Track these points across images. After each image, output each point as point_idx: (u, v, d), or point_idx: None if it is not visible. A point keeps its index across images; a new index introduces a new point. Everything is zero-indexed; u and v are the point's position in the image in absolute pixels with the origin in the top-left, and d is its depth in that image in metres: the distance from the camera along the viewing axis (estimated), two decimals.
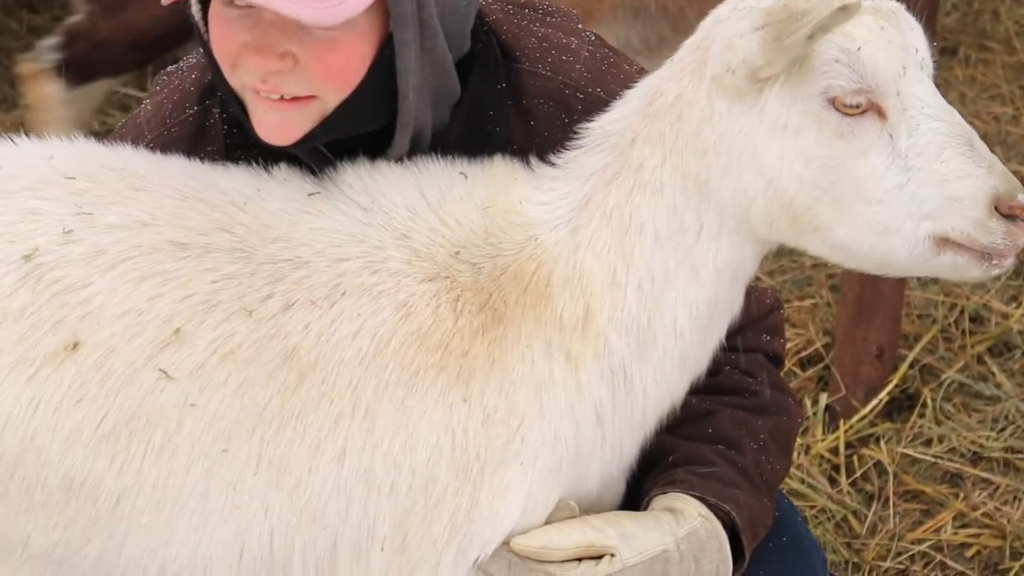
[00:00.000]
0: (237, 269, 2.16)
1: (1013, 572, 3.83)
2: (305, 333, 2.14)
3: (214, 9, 2.21)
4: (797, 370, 4.48)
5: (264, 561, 2.17)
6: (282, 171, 2.30)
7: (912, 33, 2.17)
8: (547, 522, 2.23)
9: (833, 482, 4.12)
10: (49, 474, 2.12)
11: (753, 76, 2.10)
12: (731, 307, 2.28)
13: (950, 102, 2.21)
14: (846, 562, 3.87)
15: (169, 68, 2.57)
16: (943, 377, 4.44)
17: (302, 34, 2.16)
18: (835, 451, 4.19)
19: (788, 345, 4.41)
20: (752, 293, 2.42)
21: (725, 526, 2.31)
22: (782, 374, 2.65)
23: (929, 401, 4.34)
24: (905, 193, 2.11)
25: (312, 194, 2.26)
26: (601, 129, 2.27)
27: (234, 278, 2.16)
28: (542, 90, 2.42)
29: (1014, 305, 4.75)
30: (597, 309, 2.21)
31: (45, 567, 2.18)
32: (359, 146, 2.30)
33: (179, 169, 2.29)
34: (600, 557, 2.21)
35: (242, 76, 2.22)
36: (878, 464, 4.16)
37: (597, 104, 2.33)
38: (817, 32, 2.05)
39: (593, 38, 2.51)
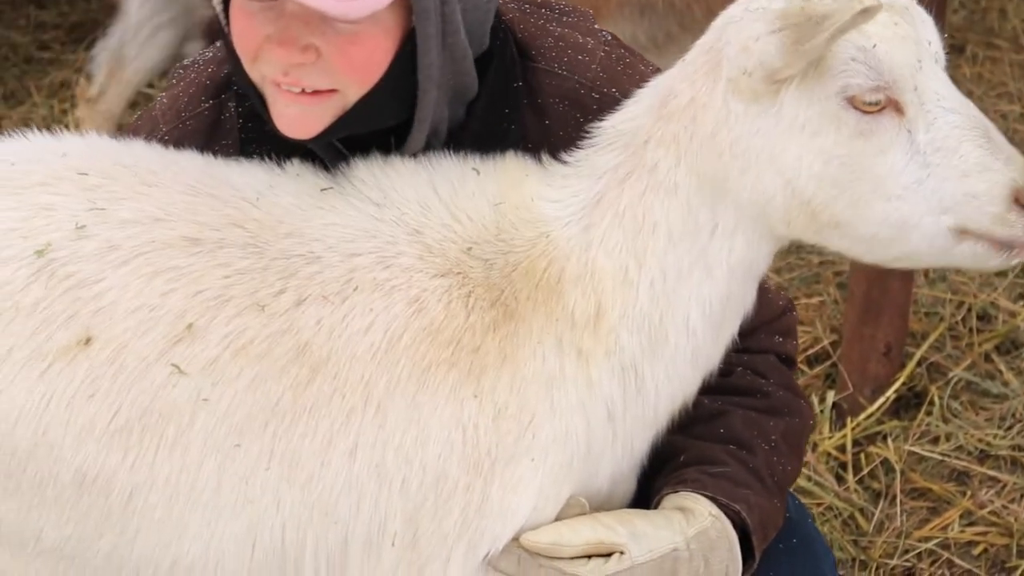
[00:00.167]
0: (249, 264, 2.16)
1: (1020, 570, 3.83)
2: (317, 328, 2.15)
3: (236, 1, 2.21)
4: (804, 367, 4.48)
5: (276, 555, 2.17)
6: (295, 167, 2.30)
7: (924, 26, 2.17)
8: (557, 519, 2.23)
9: (840, 480, 4.12)
10: (62, 469, 2.12)
11: (770, 78, 2.10)
12: (744, 303, 2.28)
13: None
14: (853, 560, 3.87)
15: (185, 62, 2.57)
16: (950, 375, 4.44)
17: (325, 27, 2.15)
18: (842, 449, 4.19)
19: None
20: (764, 295, 2.42)
21: (736, 526, 2.31)
22: None
23: (936, 399, 4.34)
24: (925, 189, 2.11)
25: (325, 189, 2.27)
26: (613, 128, 2.28)
27: (246, 273, 2.16)
28: (558, 89, 2.42)
29: (1022, 303, 4.75)
30: (609, 306, 2.21)
31: (57, 561, 2.19)
32: (375, 141, 2.30)
33: (191, 165, 2.29)
34: (610, 554, 2.21)
35: (263, 68, 2.22)
36: (885, 462, 4.16)
37: (612, 104, 2.33)
38: (837, 35, 2.05)
39: (609, 38, 2.51)
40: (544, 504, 2.21)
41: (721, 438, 2.43)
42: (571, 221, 2.25)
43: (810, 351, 4.53)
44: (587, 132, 2.29)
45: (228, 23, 2.25)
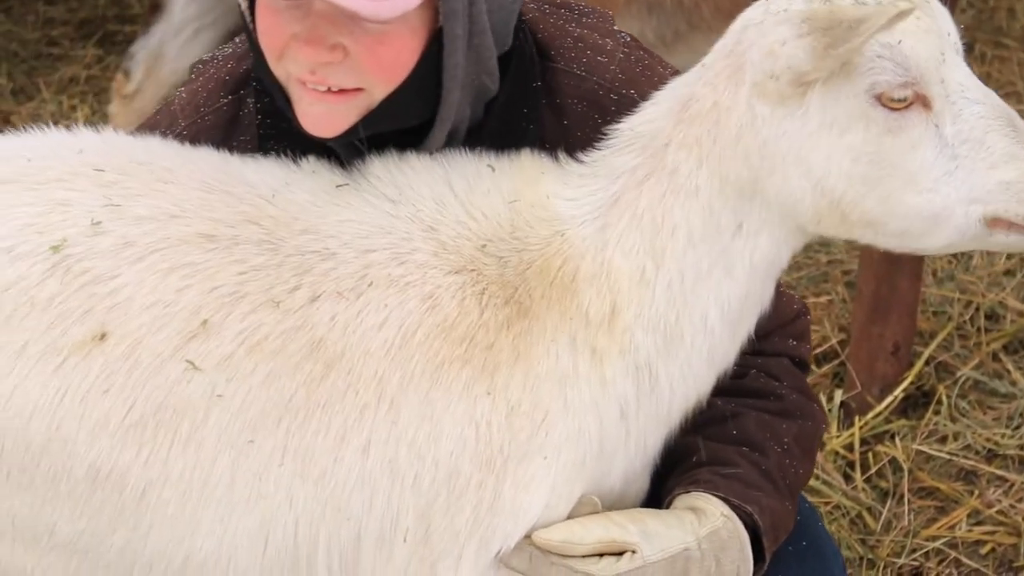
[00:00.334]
0: (264, 261, 2.17)
1: None
2: (332, 324, 2.15)
3: None
4: (812, 366, 4.46)
5: (288, 551, 2.17)
6: (310, 163, 2.30)
7: (943, 18, 2.18)
8: (569, 517, 2.23)
9: (848, 479, 4.12)
10: (75, 464, 2.12)
11: (797, 81, 2.10)
12: (762, 300, 2.28)
13: None
14: (860, 559, 3.87)
15: (205, 57, 2.57)
16: (958, 374, 4.44)
17: (353, 26, 2.15)
18: (850, 447, 4.19)
19: None
20: (779, 299, 2.42)
21: (747, 528, 2.31)
22: None
23: (944, 398, 4.34)
24: (955, 180, 2.12)
25: (340, 186, 2.27)
26: (631, 130, 2.27)
27: (261, 270, 2.16)
28: (576, 90, 2.42)
29: None
30: (624, 306, 2.21)
31: (70, 556, 2.19)
32: (395, 139, 2.30)
33: (207, 162, 2.29)
34: (621, 553, 2.21)
35: (288, 67, 2.21)
36: (893, 461, 4.16)
37: (631, 105, 2.32)
38: (871, 38, 2.05)
39: (628, 39, 2.51)
40: (556, 502, 2.21)
41: (734, 440, 2.43)
42: (587, 220, 2.24)
43: (818, 350, 4.52)
44: (605, 133, 2.29)
45: (253, 20, 2.25)
